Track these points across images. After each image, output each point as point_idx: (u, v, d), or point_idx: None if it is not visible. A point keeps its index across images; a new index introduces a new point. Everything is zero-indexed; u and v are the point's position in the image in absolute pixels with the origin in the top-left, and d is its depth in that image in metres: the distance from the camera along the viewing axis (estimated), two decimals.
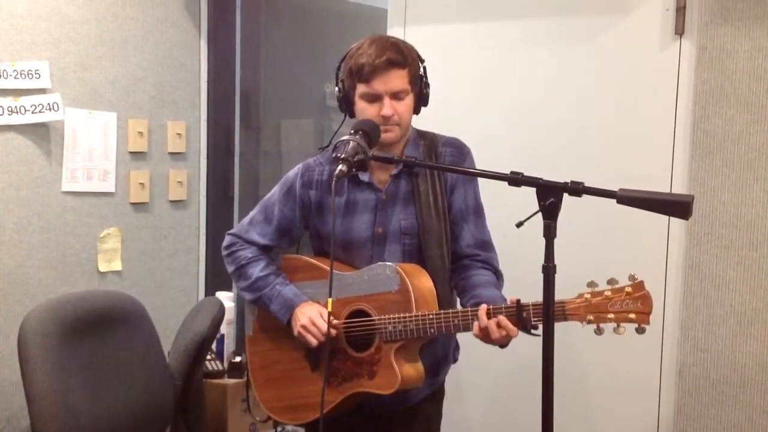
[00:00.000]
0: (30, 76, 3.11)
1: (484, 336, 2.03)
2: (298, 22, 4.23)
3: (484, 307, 2.03)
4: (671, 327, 2.87)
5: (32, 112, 3.13)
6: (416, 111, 2.27)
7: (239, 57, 4.01)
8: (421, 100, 2.25)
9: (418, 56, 2.24)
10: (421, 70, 2.24)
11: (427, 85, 2.25)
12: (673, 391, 2.88)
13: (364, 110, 2.17)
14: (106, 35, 3.39)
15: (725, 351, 2.79)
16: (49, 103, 3.16)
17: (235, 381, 3.35)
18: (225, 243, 2.42)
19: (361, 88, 2.17)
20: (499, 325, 2.00)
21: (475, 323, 2.03)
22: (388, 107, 2.14)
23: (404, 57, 2.15)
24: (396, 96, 2.15)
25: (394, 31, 3.25)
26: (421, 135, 2.32)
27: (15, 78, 3.07)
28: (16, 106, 3.08)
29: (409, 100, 2.19)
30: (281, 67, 4.23)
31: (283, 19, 4.25)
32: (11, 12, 3.06)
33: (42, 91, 3.15)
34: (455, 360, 2.43)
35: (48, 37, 3.18)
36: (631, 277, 1.91)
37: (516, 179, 1.80)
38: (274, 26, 4.21)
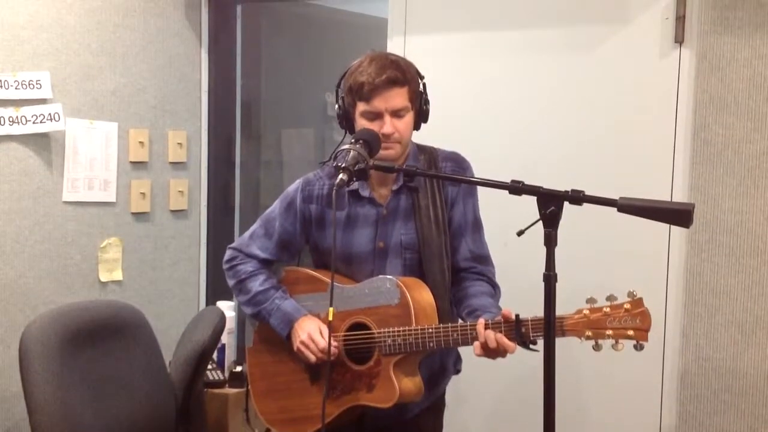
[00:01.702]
0: (31, 86, 3.11)
1: (486, 354, 2.03)
2: (299, 31, 4.24)
3: (481, 322, 2.03)
4: (673, 335, 2.87)
5: (33, 123, 3.13)
6: (416, 127, 2.27)
7: (240, 66, 4.02)
8: (421, 116, 2.26)
9: (418, 73, 2.24)
10: (421, 86, 2.24)
11: (426, 101, 2.25)
12: (675, 400, 2.88)
13: (364, 128, 2.17)
14: (108, 45, 3.39)
15: (727, 359, 2.79)
16: (50, 113, 3.17)
17: (236, 391, 3.34)
18: (226, 257, 2.42)
19: (361, 107, 2.17)
20: (496, 341, 2.00)
21: (475, 343, 2.03)
22: (389, 125, 2.14)
23: (404, 74, 2.15)
24: (396, 114, 2.16)
25: (395, 41, 3.26)
26: (421, 149, 2.32)
27: (16, 88, 3.07)
28: (17, 117, 3.08)
29: (409, 118, 2.19)
30: (282, 77, 4.24)
31: (284, 29, 4.26)
32: (12, 22, 3.07)
33: (43, 101, 3.16)
34: (458, 371, 2.43)
35: (49, 48, 3.19)
36: (630, 294, 1.90)
37: (516, 188, 1.80)
38: (275, 36, 4.22)
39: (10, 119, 3.07)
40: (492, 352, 2.02)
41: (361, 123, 2.18)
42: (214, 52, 3.85)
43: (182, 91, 3.73)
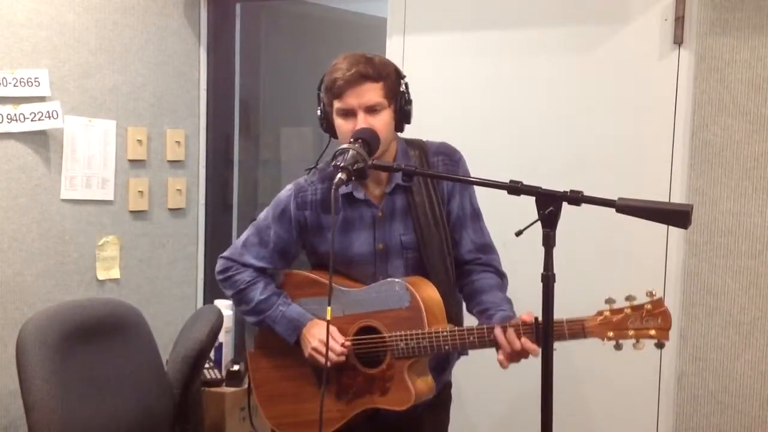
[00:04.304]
0: (30, 83, 3.11)
1: (510, 360, 2.02)
2: (298, 30, 4.24)
3: (499, 330, 2.02)
4: (670, 336, 2.86)
5: (32, 120, 3.13)
6: (399, 128, 2.24)
7: (239, 65, 4.02)
8: (403, 116, 2.22)
9: (397, 71, 2.21)
10: (402, 86, 2.21)
11: (408, 101, 2.22)
12: (672, 400, 2.88)
13: (341, 127, 2.15)
14: (106, 43, 3.39)
15: (724, 360, 2.79)
16: (48, 111, 3.17)
17: (234, 389, 3.35)
18: (219, 267, 2.39)
19: (336, 104, 2.15)
20: (521, 344, 1.99)
21: (499, 356, 2.02)
22: (362, 122, 2.11)
23: (376, 70, 2.12)
24: (371, 110, 2.12)
25: (394, 41, 3.26)
26: (410, 144, 2.30)
27: (14, 86, 3.07)
28: (15, 114, 3.08)
29: (385, 115, 2.15)
30: (281, 76, 4.24)
31: (283, 28, 4.26)
32: (11, 20, 3.07)
33: (41, 98, 3.15)
34: (466, 353, 2.38)
35: (48, 45, 3.18)
36: (650, 294, 1.91)
37: (515, 188, 1.80)
38: (274, 35, 4.22)
39: (9, 117, 3.06)
40: (515, 355, 2.01)
41: (337, 122, 2.16)
42: (213, 51, 3.85)
43: (181, 89, 3.73)
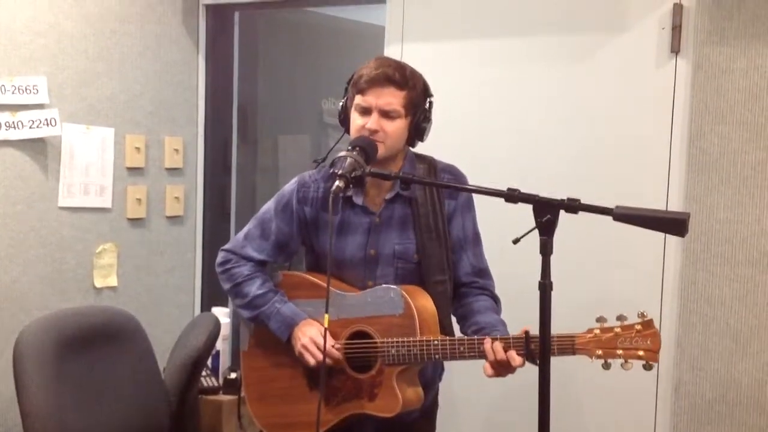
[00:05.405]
0: (28, 91, 3.11)
1: (497, 371, 2.04)
2: (296, 38, 4.24)
3: (488, 339, 2.03)
4: (667, 344, 2.86)
5: (30, 128, 3.13)
6: (411, 143, 2.27)
7: (237, 73, 4.02)
8: (417, 132, 2.24)
9: (425, 87, 2.23)
10: (427, 103, 2.23)
11: (427, 119, 2.24)
12: (669, 409, 2.88)
13: (354, 122, 2.19)
14: (105, 51, 3.39)
15: (721, 369, 2.79)
16: (46, 119, 3.17)
17: (231, 397, 3.34)
18: (219, 259, 2.40)
19: (356, 99, 2.18)
20: (505, 355, 2.01)
21: (485, 364, 2.04)
22: (373, 122, 2.14)
23: (404, 78, 2.15)
24: (386, 114, 2.15)
25: (392, 48, 3.27)
26: (419, 158, 2.32)
27: (13, 93, 3.07)
28: (13, 122, 3.08)
29: (399, 123, 2.17)
30: (279, 83, 4.24)
31: (281, 36, 4.26)
32: (10, 27, 3.07)
33: (40, 106, 3.15)
34: (440, 379, 2.44)
35: (46, 53, 3.19)
36: (641, 315, 1.93)
37: (512, 196, 1.81)
38: (272, 42, 4.23)
39: (7, 124, 3.06)
40: (502, 367, 2.03)
41: (353, 117, 2.20)
42: (211, 59, 3.86)
43: (179, 97, 3.73)
